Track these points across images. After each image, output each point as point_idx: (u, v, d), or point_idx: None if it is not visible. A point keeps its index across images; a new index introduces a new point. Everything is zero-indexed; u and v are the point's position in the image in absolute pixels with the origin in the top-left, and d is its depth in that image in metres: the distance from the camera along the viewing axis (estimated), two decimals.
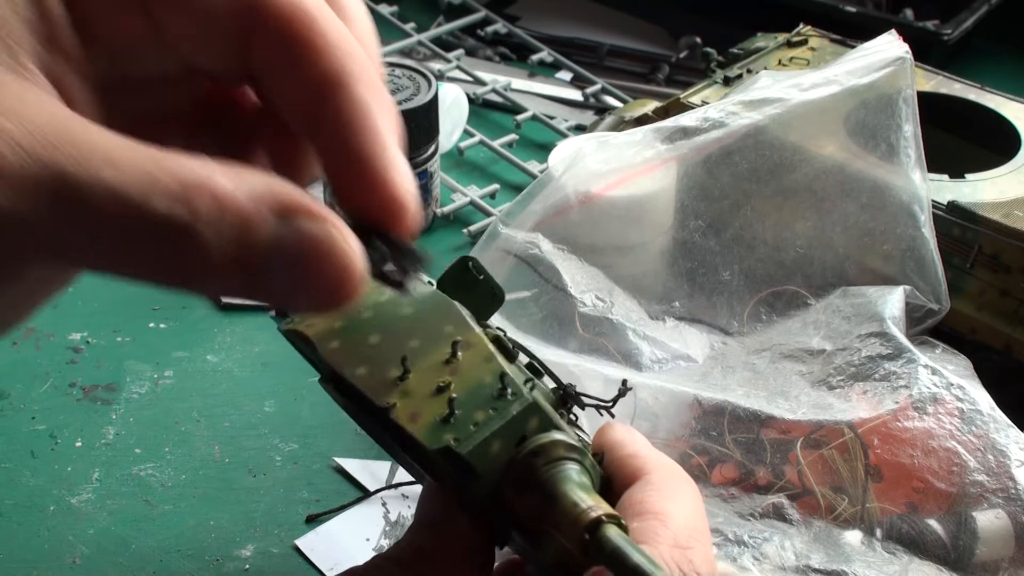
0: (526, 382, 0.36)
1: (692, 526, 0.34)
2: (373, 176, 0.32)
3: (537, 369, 0.39)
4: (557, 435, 0.34)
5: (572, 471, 0.34)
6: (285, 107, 0.33)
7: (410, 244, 0.33)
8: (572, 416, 0.39)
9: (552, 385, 0.39)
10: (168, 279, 0.29)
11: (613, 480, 0.36)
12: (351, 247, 0.30)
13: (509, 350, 0.38)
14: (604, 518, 0.32)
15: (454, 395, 0.34)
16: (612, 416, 0.40)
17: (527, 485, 0.33)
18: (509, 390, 0.35)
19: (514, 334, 0.57)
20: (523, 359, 0.40)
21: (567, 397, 0.38)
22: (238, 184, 0.29)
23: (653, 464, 0.36)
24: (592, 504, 0.32)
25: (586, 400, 0.39)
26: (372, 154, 0.32)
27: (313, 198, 0.30)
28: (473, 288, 0.41)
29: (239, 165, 0.30)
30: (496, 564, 0.37)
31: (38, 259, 0.29)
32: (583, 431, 0.40)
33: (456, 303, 0.39)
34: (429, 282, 0.41)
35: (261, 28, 0.32)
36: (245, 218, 0.29)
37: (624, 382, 0.41)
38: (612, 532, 0.31)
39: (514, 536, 0.35)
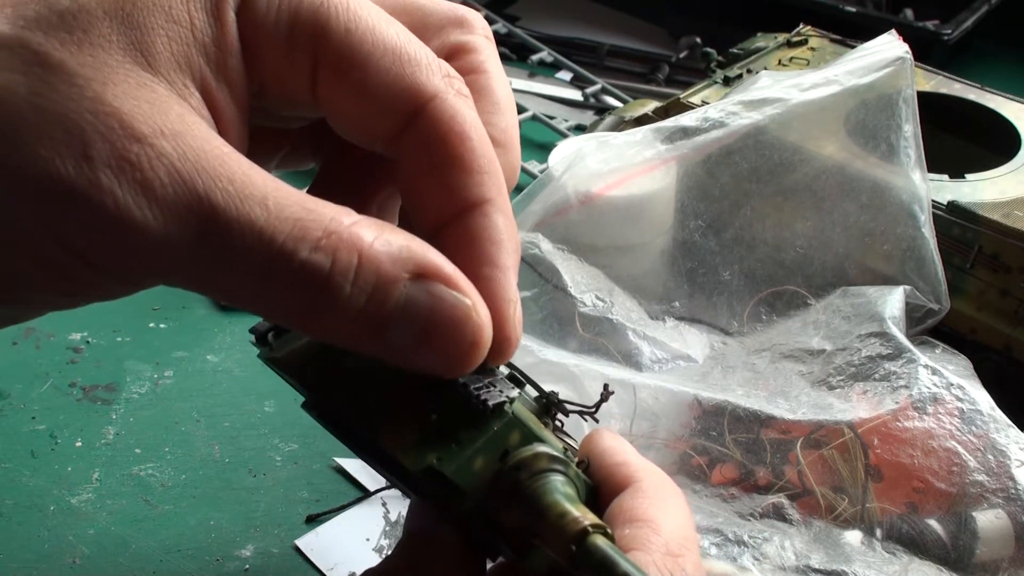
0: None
1: (683, 534, 0.34)
2: (493, 308, 0.32)
3: (519, 379, 0.39)
4: (540, 447, 0.34)
5: (557, 482, 0.33)
6: (419, 204, 0.34)
7: (501, 374, 0.34)
8: (558, 423, 0.39)
9: (535, 394, 0.39)
10: (295, 320, 0.30)
11: (601, 488, 0.36)
12: (483, 320, 0.31)
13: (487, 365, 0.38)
14: (591, 528, 0.32)
15: (434, 415, 0.34)
16: (596, 421, 0.40)
17: (512, 499, 0.33)
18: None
19: None
20: (504, 370, 0.40)
21: (550, 405, 0.38)
22: (380, 239, 0.30)
23: (643, 472, 0.36)
24: (578, 515, 0.32)
25: (569, 407, 0.39)
26: (495, 291, 0.32)
27: (451, 265, 0.31)
28: None
29: (383, 222, 0.30)
30: (489, 567, 0.37)
31: (170, 281, 0.30)
32: (570, 437, 0.40)
33: None
34: None
35: (417, 131, 0.32)
36: (382, 274, 0.29)
37: (605, 387, 0.40)
38: (600, 541, 0.31)
39: (503, 549, 0.35)
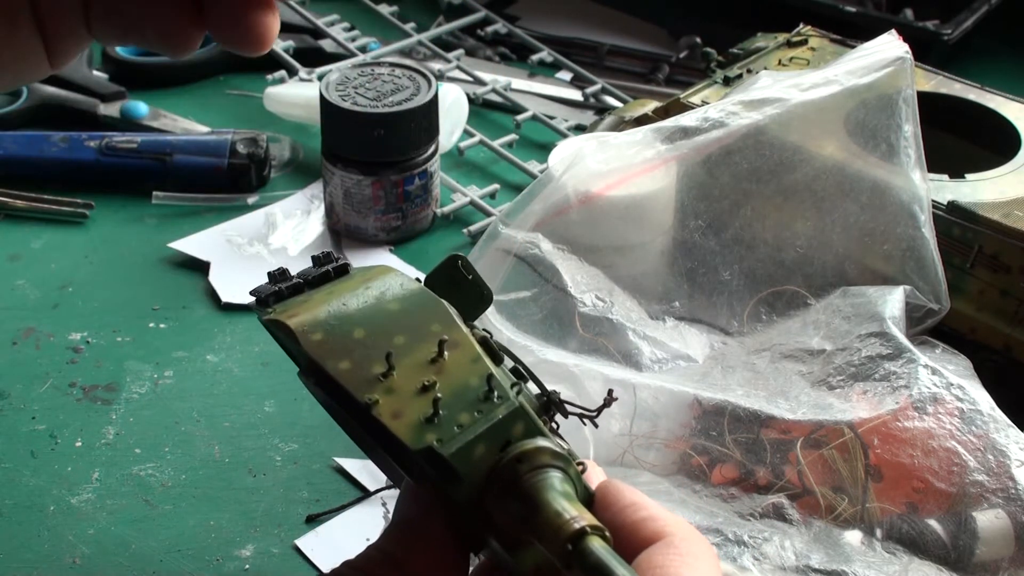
0: (512, 386, 0.35)
1: None
2: None
3: (522, 374, 0.38)
4: (543, 442, 0.34)
5: (556, 479, 0.33)
6: None
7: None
8: (554, 424, 0.39)
9: (536, 391, 0.39)
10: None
11: (627, 542, 0.35)
12: None
13: (495, 352, 0.37)
14: (589, 529, 0.31)
15: (439, 395, 0.34)
16: (596, 426, 0.39)
17: (510, 491, 0.33)
18: (495, 393, 0.34)
19: (514, 334, 0.57)
20: (508, 363, 0.39)
21: (551, 404, 0.38)
22: None
23: (673, 527, 0.35)
24: (576, 515, 0.32)
25: (570, 409, 0.38)
26: None
27: None
28: (461, 288, 0.40)
29: None
30: (471, 569, 0.36)
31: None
32: (564, 440, 0.39)
33: (444, 302, 0.38)
34: (417, 279, 0.40)
35: None
36: None
37: (610, 392, 0.40)
38: (596, 544, 0.31)
39: (491, 543, 0.35)
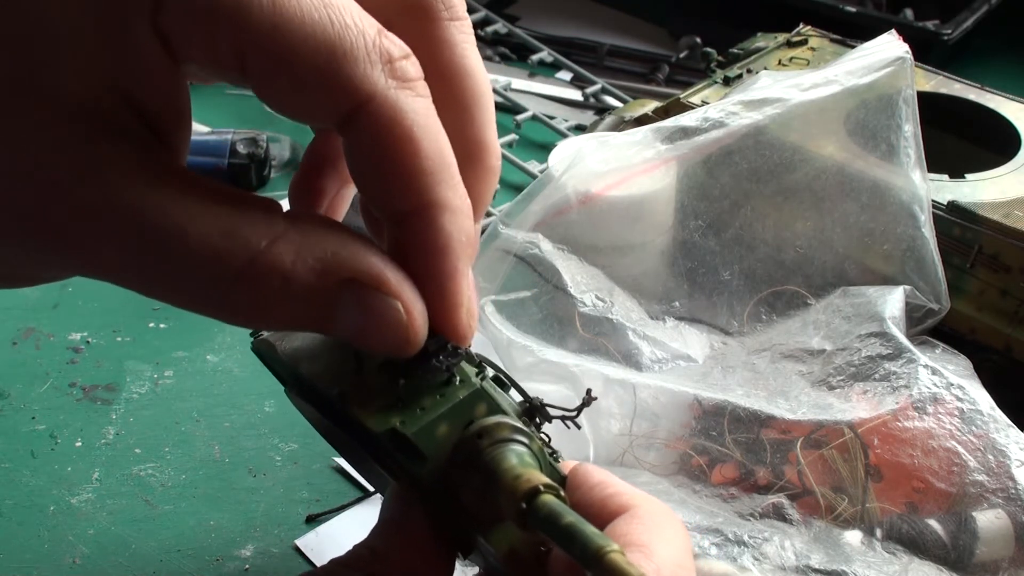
0: (477, 374, 0.36)
1: (677, 561, 0.34)
2: (443, 312, 0.33)
3: (503, 381, 0.39)
4: (503, 418, 0.35)
5: (516, 451, 0.34)
6: (369, 196, 0.34)
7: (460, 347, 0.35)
8: (544, 435, 0.39)
9: (519, 398, 0.39)
10: (238, 323, 0.32)
11: (597, 518, 0.36)
12: (416, 319, 0.32)
13: (469, 353, 0.38)
14: (542, 487, 0.32)
15: (402, 382, 0.35)
16: (579, 427, 0.40)
17: (472, 465, 0.34)
18: (458, 378, 0.35)
19: (514, 334, 0.57)
20: (489, 372, 0.40)
21: (533, 411, 0.38)
22: (300, 258, 0.30)
23: (639, 499, 0.36)
24: (531, 476, 0.33)
25: (552, 412, 0.39)
26: (442, 299, 0.33)
27: (383, 264, 0.32)
28: None
29: (309, 227, 0.31)
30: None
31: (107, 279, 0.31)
32: (556, 452, 0.40)
33: None
34: None
35: (359, 127, 0.31)
36: (308, 289, 0.31)
37: (588, 392, 0.41)
38: (549, 499, 0.32)
39: (478, 541, 0.35)
